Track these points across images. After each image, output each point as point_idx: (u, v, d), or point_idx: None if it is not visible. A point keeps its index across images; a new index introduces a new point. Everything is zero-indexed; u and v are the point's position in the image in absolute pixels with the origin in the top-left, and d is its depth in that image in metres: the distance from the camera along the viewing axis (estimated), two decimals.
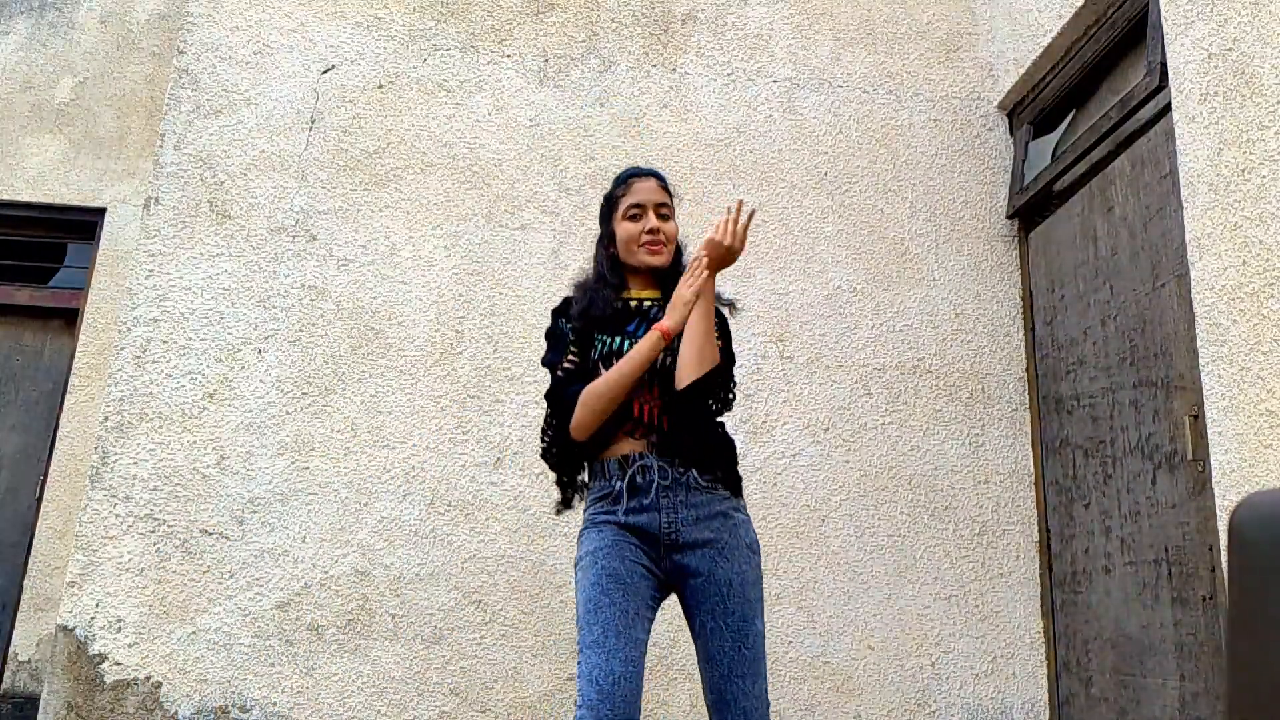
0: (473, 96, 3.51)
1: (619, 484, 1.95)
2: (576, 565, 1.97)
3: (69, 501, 4.31)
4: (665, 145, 3.53)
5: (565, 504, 2.13)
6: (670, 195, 2.16)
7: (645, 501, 1.94)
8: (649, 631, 1.88)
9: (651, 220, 2.07)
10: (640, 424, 1.99)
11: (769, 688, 1.92)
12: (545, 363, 2.11)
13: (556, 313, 2.14)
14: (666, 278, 2.11)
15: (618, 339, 2.03)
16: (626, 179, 2.15)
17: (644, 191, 2.11)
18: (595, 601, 1.84)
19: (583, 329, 2.06)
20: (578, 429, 1.98)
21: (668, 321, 1.95)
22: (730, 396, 2.11)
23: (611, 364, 1.98)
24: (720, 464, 2.01)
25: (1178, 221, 2.57)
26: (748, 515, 2.02)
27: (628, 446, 1.98)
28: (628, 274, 2.13)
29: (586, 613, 1.85)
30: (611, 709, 1.73)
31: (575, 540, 2.04)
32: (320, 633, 2.99)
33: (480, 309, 3.30)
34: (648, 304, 2.10)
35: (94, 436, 3.22)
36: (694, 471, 1.96)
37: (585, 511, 2.03)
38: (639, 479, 1.95)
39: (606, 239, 2.15)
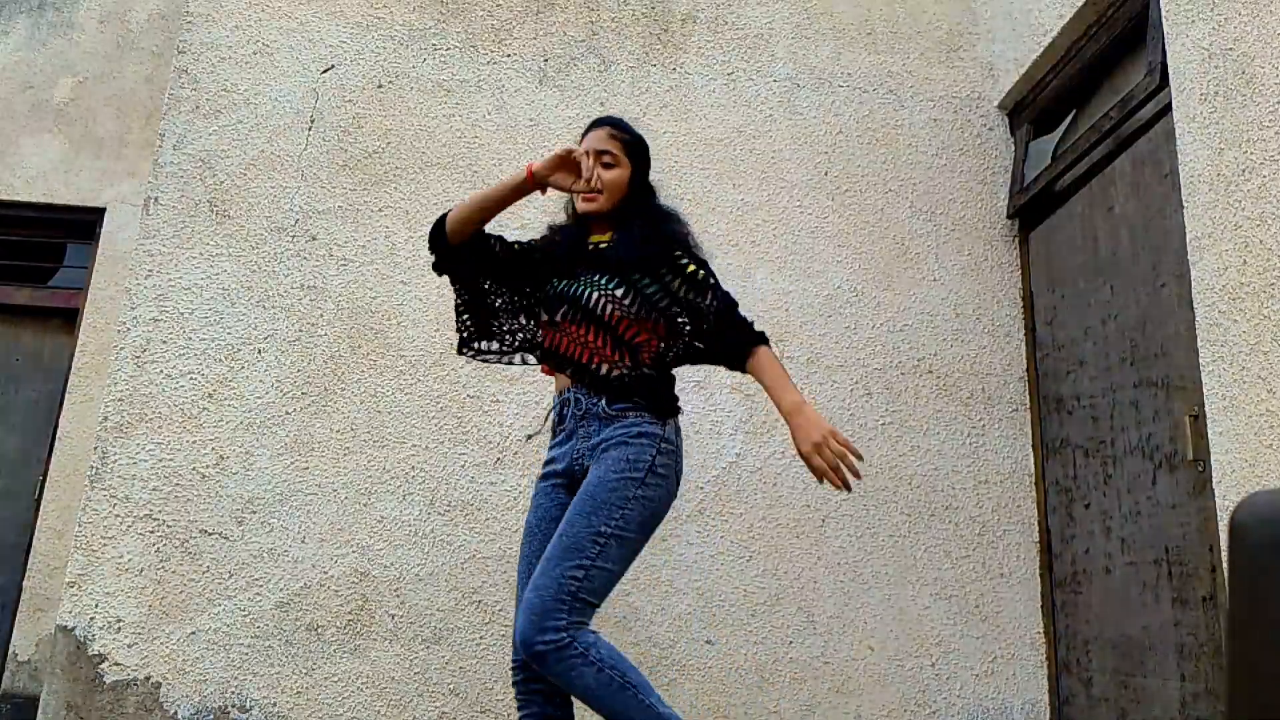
0: (473, 96, 3.51)
1: (551, 417, 2.15)
2: None
3: (69, 501, 4.31)
4: (665, 145, 3.52)
5: (463, 344, 2.27)
6: (620, 142, 2.19)
7: (565, 431, 2.09)
8: None
9: (587, 167, 2.11)
10: (569, 362, 2.11)
11: (568, 593, 1.86)
12: None
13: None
14: (619, 220, 2.19)
15: (565, 280, 2.13)
16: (587, 129, 2.24)
17: (590, 139, 2.19)
18: (519, 552, 2.10)
19: (542, 261, 2.19)
20: (449, 222, 2.14)
21: (538, 163, 2.06)
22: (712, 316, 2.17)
23: (556, 304, 2.12)
24: (637, 394, 2.06)
25: (1178, 221, 2.57)
26: (654, 439, 2.03)
27: (562, 384, 2.13)
28: (589, 221, 2.21)
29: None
30: (516, 635, 1.88)
31: None
32: (320, 633, 2.99)
33: None
34: (603, 245, 2.18)
35: (94, 436, 3.22)
36: (603, 401, 2.03)
37: None
38: (562, 411, 2.10)
39: None
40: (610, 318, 2.07)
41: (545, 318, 2.17)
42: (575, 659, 1.81)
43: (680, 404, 2.18)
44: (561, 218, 2.36)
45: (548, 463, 2.12)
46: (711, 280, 2.15)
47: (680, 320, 2.14)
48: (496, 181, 2.16)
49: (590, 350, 2.07)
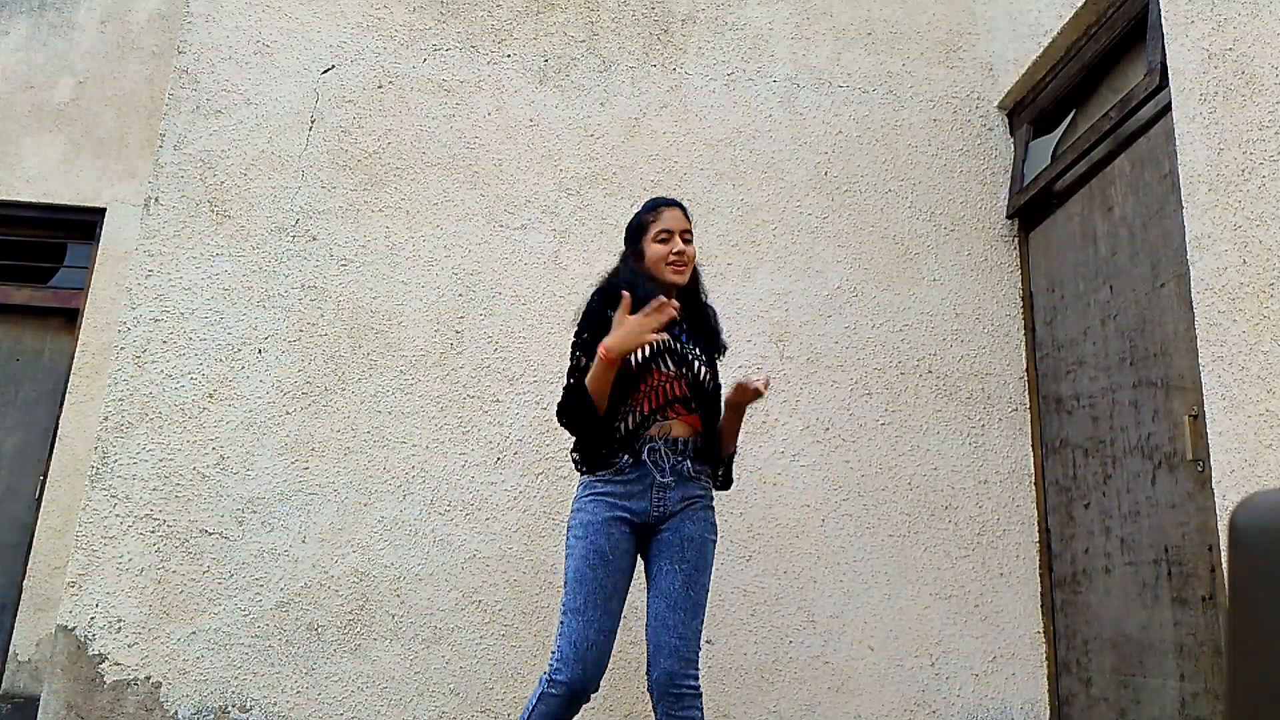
0: (473, 96, 3.51)
1: (627, 459, 2.23)
2: (569, 530, 2.25)
3: (69, 501, 4.31)
4: (665, 145, 3.53)
5: (589, 466, 2.32)
6: (691, 223, 2.42)
7: (648, 481, 2.23)
8: (624, 603, 2.20)
9: (678, 244, 2.35)
10: (669, 419, 2.28)
11: (701, 647, 2.20)
12: (580, 343, 2.30)
13: (603, 296, 2.32)
14: (684, 294, 2.40)
15: (667, 339, 2.26)
16: (655, 207, 2.42)
17: (672, 220, 2.39)
18: (581, 574, 2.15)
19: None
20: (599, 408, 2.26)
21: (612, 341, 2.17)
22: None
23: (664, 360, 2.29)
24: (714, 465, 2.38)
25: (1178, 221, 2.57)
26: (714, 506, 2.35)
27: (653, 431, 2.26)
28: (663, 288, 2.35)
29: (574, 581, 2.16)
30: (582, 669, 2.08)
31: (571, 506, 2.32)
32: (320, 633, 2.99)
33: (480, 309, 3.30)
34: (681, 320, 2.39)
35: (94, 436, 3.22)
36: (691, 464, 2.28)
37: (587, 475, 2.28)
38: (648, 460, 2.24)
39: (634, 256, 2.39)
40: (709, 386, 2.36)
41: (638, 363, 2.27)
42: (699, 700, 2.15)
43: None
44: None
45: (615, 497, 2.23)
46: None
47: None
48: (597, 370, 2.21)
49: (688, 413, 2.31)
